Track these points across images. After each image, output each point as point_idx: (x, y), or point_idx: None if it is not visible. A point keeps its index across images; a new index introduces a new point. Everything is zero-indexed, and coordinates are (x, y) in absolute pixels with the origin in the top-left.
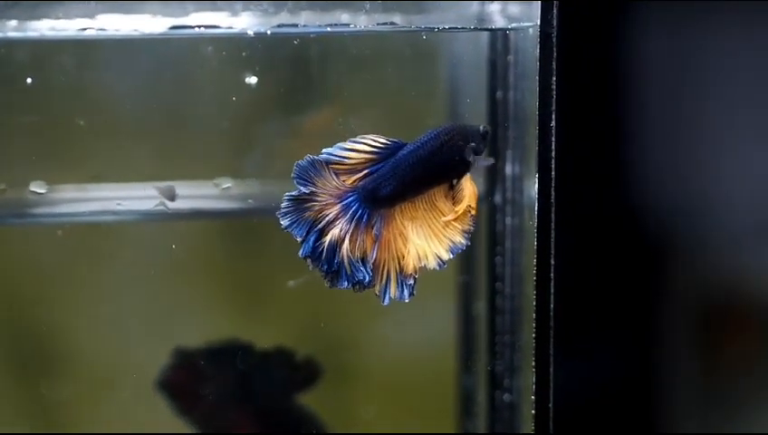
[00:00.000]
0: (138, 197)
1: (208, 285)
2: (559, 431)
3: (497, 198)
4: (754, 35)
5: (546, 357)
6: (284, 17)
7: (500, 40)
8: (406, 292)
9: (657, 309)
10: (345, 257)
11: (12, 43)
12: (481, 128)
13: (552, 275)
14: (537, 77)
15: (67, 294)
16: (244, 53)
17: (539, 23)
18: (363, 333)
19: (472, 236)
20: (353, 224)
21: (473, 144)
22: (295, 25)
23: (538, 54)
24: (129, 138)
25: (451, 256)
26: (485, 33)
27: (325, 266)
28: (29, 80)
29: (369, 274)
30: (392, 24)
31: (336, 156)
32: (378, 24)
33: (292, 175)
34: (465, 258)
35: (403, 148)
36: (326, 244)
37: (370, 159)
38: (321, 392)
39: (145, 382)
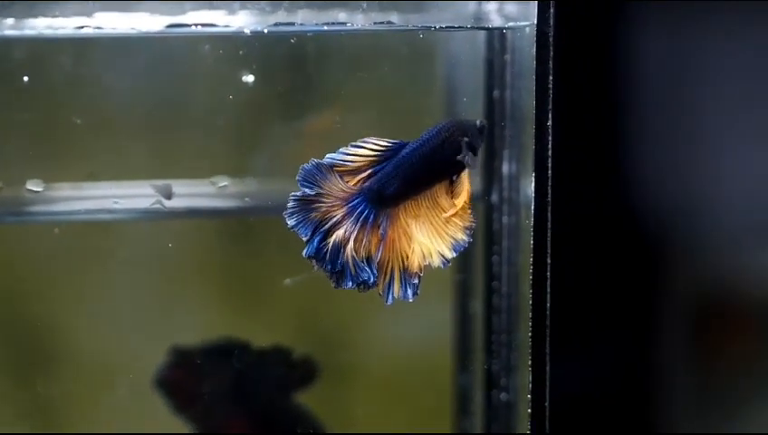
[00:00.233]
0: (134, 195)
1: (205, 283)
2: (555, 430)
3: (494, 197)
4: (752, 35)
5: (542, 356)
6: (281, 16)
7: (497, 39)
8: (410, 291)
9: (653, 308)
10: (350, 258)
11: (9, 42)
12: (478, 122)
13: (548, 273)
14: (534, 76)
15: (64, 292)
16: (241, 52)
17: (536, 22)
18: (360, 332)
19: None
20: (359, 225)
21: (471, 139)
22: (292, 24)
23: (535, 53)
24: (126, 136)
25: (454, 253)
26: (482, 33)
27: (329, 266)
28: (26, 78)
29: (373, 274)
30: (389, 22)
31: (340, 160)
32: (375, 23)
33: (297, 178)
34: (461, 257)
35: (405, 147)
36: (330, 244)
37: (373, 161)
38: (318, 391)
39: (142, 380)
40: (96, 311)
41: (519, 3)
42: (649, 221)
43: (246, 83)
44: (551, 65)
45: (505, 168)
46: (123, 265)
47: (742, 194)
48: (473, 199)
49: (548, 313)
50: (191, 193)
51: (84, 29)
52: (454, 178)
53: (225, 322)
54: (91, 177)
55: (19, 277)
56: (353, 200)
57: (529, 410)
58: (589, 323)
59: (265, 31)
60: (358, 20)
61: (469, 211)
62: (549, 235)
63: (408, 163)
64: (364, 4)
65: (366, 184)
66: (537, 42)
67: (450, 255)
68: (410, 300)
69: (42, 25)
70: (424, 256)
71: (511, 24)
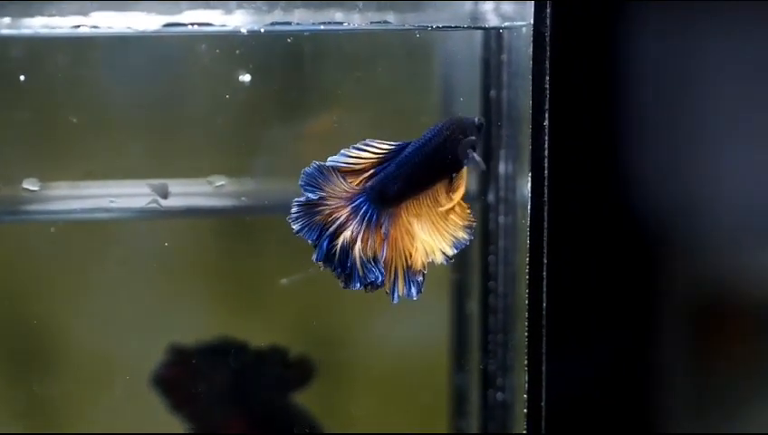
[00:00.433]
0: (131, 194)
1: (201, 282)
2: (551, 431)
3: (490, 197)
4: (749, 34)
5: (538, 356)
6: (278, 15)
7: (494, 39)
8: (414, 289)
9: (650, 308)
10: (357, 259)
11: (5, 41)
12: (476, 120)
13: (544, 274)
14: (530, 76)
15: (60, 290)
16: (237, 51)
17: (532, 21)
18: (357, 332)
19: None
20: (364, 225)
21: (470, 138)
22: (289, 23)
23: (532, 53)
24: (123, 135)
25: (455, 250)
26: (479, 32)
27: (339, 269)
28: (22, 77)
29: (381, 273)
30: (385, 22)
31: (342, 163)
32: (371, 23)
33: (300, 182)
34: (458, 257)
35: (407, 147)
36: (339, 247)
37: (375, 162)
38: (315, 391)
39: (138, 379)
40: (92, 310)
41: (515, 2)
42: (646, 221)
43: (243, 83)
44: (547, 65)
45: (502, 167)
46: (119, 263)
47: (740, 194)
48: (469, 199)
49: (544, 313)
50: (187, 192)
51: (81, 28)
52: (453, 176)
53: (222, 321)
54: (88, 176)
55: (15, 276)
56: (356, 200)
57: (525, 411)
58: (585, 324)
59: (262, 30)
60: (354, 19)
61: (468, 211)
62: (545, 235)
63: (411, 163)
64: (360, 4)
65: (368, 184)
66: (534, 41)
67: (451, 252)
68: (415, 298)
69: (38, 25)
70: (427, 253)
71: (507, 23)
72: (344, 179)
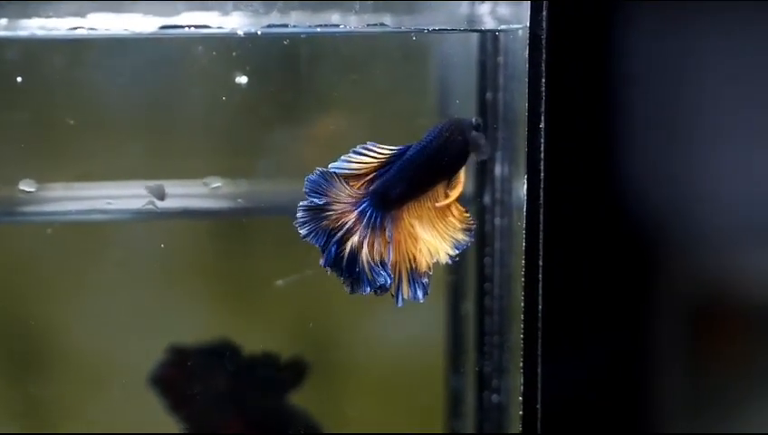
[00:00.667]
0: (127, 196)
1: (197, 283)
2: (546, 432)
3: (486, 199)
4: (744, 35)
5: (534, 358)
6: (275, 17)
7: (490, 41)
8: (420, 292)
9: (646, 310)
10: (365, 263)
11: (2, 42)
12: (473, 120)
13: (540, 276)
14: (527, 79)
15: (56, 292)
16: (234, 53)
17: (528, 24)
18: (352, 333)
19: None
20: (370, 229)
21: (471, 138)
22: (285, 26)
23: (528, 56)
24: (119, 137)
25: (457, 251)
26: (475, 35)
27: (346, 274)
28: (19, 79)
29: (390, 277)
30: (382, 24)
31: (345, 169)
32: (368, 25)
33: (305, 189)
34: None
35: (408, 149)
36: (347, 252)
37: (376, 165)
38: (311, 392)
39: (134, 379)
40: (89, 311)
41: (511, 5)
42: (641, 223)
43: (240, 85)
44: (543, 68)
45: (498, 170)
46: (116, 265)
47: (735, 195)
48: (465, 201)
49: (540, 314)
50: (184, 194)
51: (78, 30)
52: (452, 177)
53: (218, 322)
54: (84, 177)
55: (12, 277)
56: (361, 205)
57: (520, 412)
58: (581, 325)
59: (259, 32)
60: (351, 22)
61: (467, 214)
62: (541, 237)
63: (412, 165)
64: (357, 6)
65: (371, 187)
66: (530, 44)
67: (454, 252)
68: (421, 300)
69: (35, 26)
70: (431, 254)
71: (503, 26)
72: (347, 184)
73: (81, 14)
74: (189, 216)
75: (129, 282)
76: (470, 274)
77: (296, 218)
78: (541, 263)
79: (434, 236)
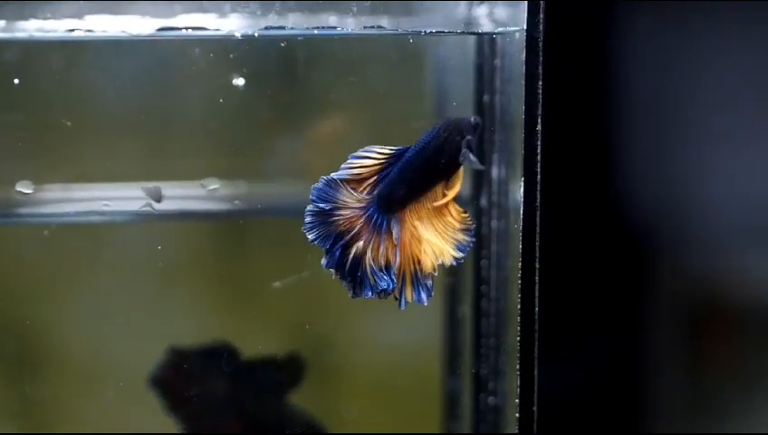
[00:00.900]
0: (124, 197)
1: (194, 284)
2: (543, 434)
3: (483, 202)
4: (743, 35)
5: (531, 360)
6: (272, 19)
7: (487, 44)
8: (423, 294)
9: (643, 312)
10: (368, 267)
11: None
12: (472, 120)
13: (537, 278)
14: (523, 81)
15: (54, 293)
16: (231, 55)
17: (525, 27)
18: (349, 335)
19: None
20: (375, 233)
21: (468, 137)
22: (283, 28)
23: (525, 58)
24: (116, 138)
25: (461, 253)
26: (472, 37)
27: (349, 278)
28: (16, 80)
29: (393, 281)
30: (379, 27)
31: (348, 175)
32: (365, 28)
33: (311, 198)
34: None
35: (407, 151)
36: (351, 256)
37: (379, 167)
38: (307, 393)
39: (131, 380)
40: (85, 312)
41: (509, 7)
42: (638, 225)
43: (237, 87)
44: (540, 70)
45: (495, 172)
46: (113, 267)
47: (732, 196)
48: (462, 204)
49: (536, 317)
50: (181, 196)
51: (75, 32)
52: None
53: (215, 323)
54: (81, 179)
55: (9, 279)
56: (369, 209)
57: (517, 415)
58: (578, 328)
59: (256, 34)
60: (348, 24)
61: (465, 214)
62: (538, 239)
63: (412, 166)
64: (354, 8)
65: (376, 191)
66: (527, 47)
67: (458, 254)
68: (425, 303)
69: (32, 28)
70: (436, 255)
71: (501, 29)
72: (352, 189)
73: (79, 16)
74: (186, 217)
75: (126, 283)
76: (467, 276)
77: (304, 224)
78: (537, 265)
79: (436, 237)
